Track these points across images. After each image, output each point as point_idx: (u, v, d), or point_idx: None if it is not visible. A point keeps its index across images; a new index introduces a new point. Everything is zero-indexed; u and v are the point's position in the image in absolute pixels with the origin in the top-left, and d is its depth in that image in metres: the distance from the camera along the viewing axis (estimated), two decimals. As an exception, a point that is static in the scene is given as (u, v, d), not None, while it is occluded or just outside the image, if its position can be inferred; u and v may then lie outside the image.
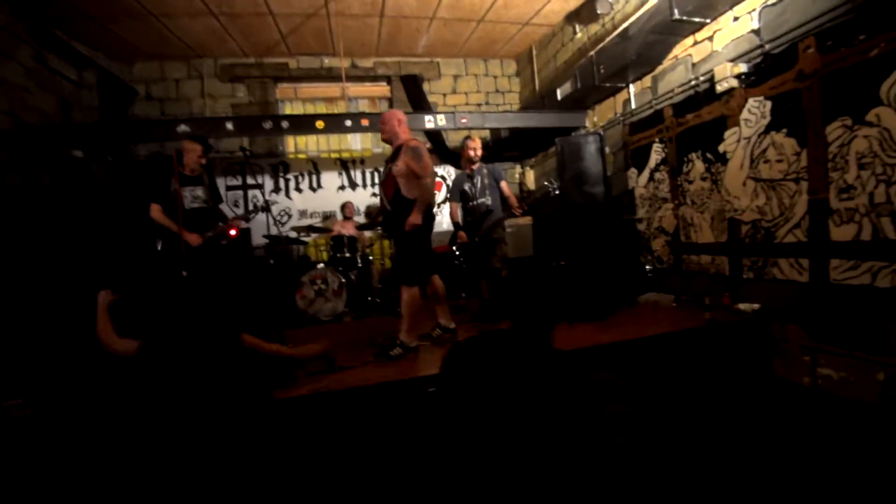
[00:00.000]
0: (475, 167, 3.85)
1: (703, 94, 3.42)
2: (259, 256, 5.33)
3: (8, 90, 3.98)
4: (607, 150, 4.67)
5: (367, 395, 2.38)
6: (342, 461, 2.16)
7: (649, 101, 4.04)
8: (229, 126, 4.37)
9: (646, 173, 4.19)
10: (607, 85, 4.23)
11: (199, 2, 4.36)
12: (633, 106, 4.27)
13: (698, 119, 3.51)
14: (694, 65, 3.53)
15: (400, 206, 2.85)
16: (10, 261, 3.58)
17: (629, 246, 4.34)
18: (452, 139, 6.05)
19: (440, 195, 6.15)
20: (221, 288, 3.71)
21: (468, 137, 3.87)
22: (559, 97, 4.73)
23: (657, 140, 3.99)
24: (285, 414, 2.25)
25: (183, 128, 4.29)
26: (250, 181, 5.82)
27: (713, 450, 2.48)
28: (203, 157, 3.67)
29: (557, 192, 3.75)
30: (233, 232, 4.22)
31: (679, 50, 3.66)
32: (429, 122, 4.51)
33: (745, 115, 3.07)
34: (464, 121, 4.58)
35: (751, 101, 3.01)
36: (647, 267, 4.21)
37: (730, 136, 3.22)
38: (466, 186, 3.84)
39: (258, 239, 5.21)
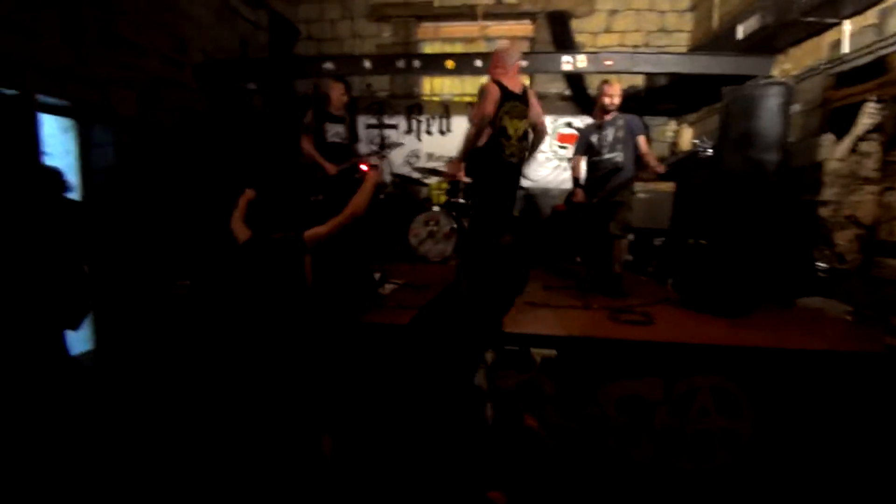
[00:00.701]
0: (608, 117, 3.35)
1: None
2: (387, 193, 5.65)
3: (200, 29, 4.69)
4: (796, 107, 3.64)
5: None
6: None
7: (870, 45, 2.98)
8: (366, 64, 4.52)
9: (846, 142, 3.18)
10: (811, 20, 3.21)
11: (352, -63, 4.45)
12: (846, 50, 3.20)
13: (948, 69, 2.47)
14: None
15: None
16: (184, 170, 4.37)
17: (801, 234, 3.45)
18: (597, 87, 5.38)
19: (572, 149, 5.65)
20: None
21: (605, 82, 3.35)
22: (739, 35, 3.76)
23: (874, 98, 2.96)
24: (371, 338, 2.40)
25: (328, 65, 4.59)
26: (387, 121, 6.07)
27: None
28: (345, 94, 4.06)
29: (708, 152, 3.06)
30: (364, 167, 4.51)
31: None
32: (566, 63, 4.03)
33: None
34: (609, 63, 3.98)
35: None
36: (821, 264, 3.32)
37: None
38: (594, 138, 3.39)
39: (387, 177, 5.49)
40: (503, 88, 2.85)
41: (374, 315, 2.65)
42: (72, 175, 3.57)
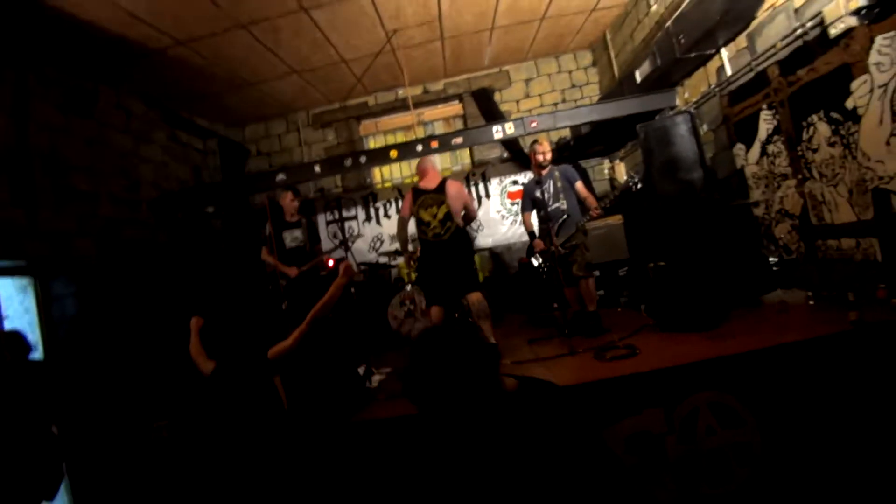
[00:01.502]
0: (544, 172, 3.63)
1: (815, 43, 2.78)
2: (357, 282, 5.70)
3: (151, 166, 4.90)
4: (704, 127, 4.07)
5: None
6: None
7: (748, 64, 3.43)
8: (317, 169, 4.78)
9: (756, 148, 3.54)
10: (692, 55, 3.69)
11: (284, 65, 4.91)
12: (730, 72, 3.67)
13: (813, 73, 2.87)
14: (797, 10, 2.91)
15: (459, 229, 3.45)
16: (150, 305, 4.33)
17: (745, 236, 3.68)
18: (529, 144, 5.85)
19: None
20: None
21: (535, 142, 3.68)
22: (638, 79, 4.26)
23: (765, 106, 3.36)
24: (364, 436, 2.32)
25: (280, 177, 4.82)
26: (346, 214, 6.30)
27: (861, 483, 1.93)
28: (295, 200, 4.23)
29: (639, 185, 3.33)
30: (330, 263, 4.58)
31: (775, -4, 3.05)
32: (497, 132, 4.41)
33: (874, 57, 2.42)
34: (533, 124, 4.38)
35: (879, 40, 2.36)
36: (772, 259, 3.52)
37: (858, 87, 2.56)
38: (537, 193, 3.64)
39: (356, 267, 5.58)
40: (416, 191, 3.51)
41: (365, 412, 2.58)
42: (32, 333, 3.49)
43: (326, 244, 5.69)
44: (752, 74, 3.44)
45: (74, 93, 4.06)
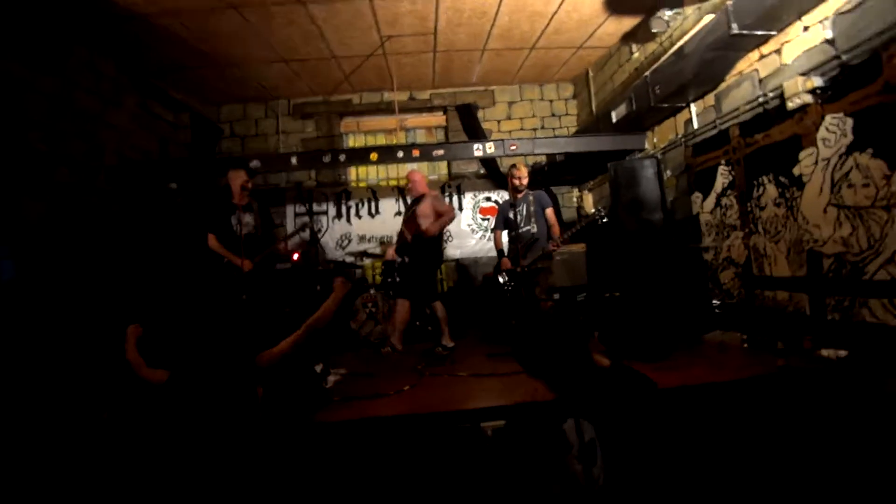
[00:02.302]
0: (520, 195, 3.79)
1: (774, 112, 3.09)
2: (316, 280, 5.62)
3: (116, 133, 4.66)
4: (668, 173, 4.37)
5: (395, 425, 2.37)
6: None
7: (713, 121, 3.73)
8: (294, 161, 4.72)
9: (711, 198, 3.84)
10: (665, 105, 3.98)
11: (272, 51, 4.84)
12: (696, 126, 3.97)
13: (768, 139, 3.17)
14: (761, 80, 3.22)
15: (418, 241, 3.86)
16: (99, 278, 4.10)
17: (694, 277, 3.97)
18: (506, 165, 6.02)
19: (493, 220, 6.14)
20: (276, 310, 3.97)
21: (513, 166, 3.83)
22: (614, 119, 4.53)
23: (723, 162, 3.66)
24: (327, 437, 2.30)
25: (255, 163, 4.71)
26: (317, 208, 6.21)
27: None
28: (249, 182, 3.83)
29: (605, 220, 3.55)
30: (295, 256, 4.50)
31: (744, 65, 3.36)
32: (478, 150, 4.53)
33: (822, 133, 2.72)
34: (513, 147, 4.54)
35: (828, 119, 2.66)
36: (715, 301, 3.81)
37: (805, 157, 2.86)
38: (511, 214, 3.78)
39: (323, 264, 5.50)
40: (407, 203, 4.23)
41: (325, 413, 2.56)
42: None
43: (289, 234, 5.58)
44: (715, 131, 3.75)
45: (45, 46, 3.83)
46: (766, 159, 3.22)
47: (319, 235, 4.57)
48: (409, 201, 4.24)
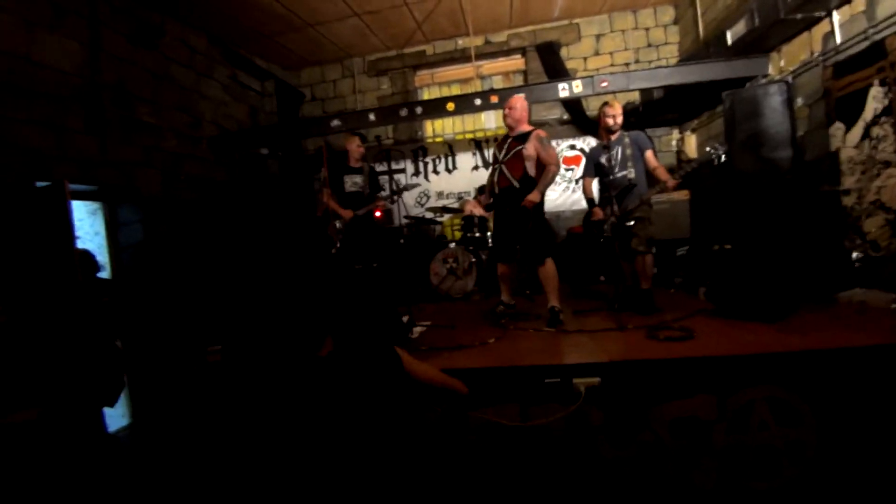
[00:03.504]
0: (614, 137, 3.38)
1: (962, 7, 2.37)
2: (400, 234, 5.73)
3: (212, 104, 4.97)
4: (799, 101, 3.65)
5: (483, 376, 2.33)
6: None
7: (864, 31, 2.99)
8: (371, 117, 4.71)
9: (858, 129, 3.15)
10: (798, 17, 3.26)
11: (344, 4, 4.74)
12: (839, 40, 3.22)
13: (951, 45, 2.46)
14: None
15: (528, 185, 3.16)
16: (208, 239, 4.51)
17: (828, 226, 3.36)
18: (594, 108, 5.50)
19: (578, 170, 5.71)
20: (366, 260, 4.15)
21: (605, 104, 3.41)
22: (730, 41, 3.83)
23: (877, 82, 2.95)
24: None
25: (336, 122, 4.80)
26: (395, 166, 6.24)
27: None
28: (361, 146, 4.26)
29: (723, 158, 3.04)
30: (378, 213, 4.59)
31: (918, -50, 2.60)
32: (563, 90, 4.13)
33: None
34: (604, 84, 4.07)
35: None
36: (855, 255, 3.21)
37: None
38: (603, 159, 3.41)
39: (401, 220, 5.59)
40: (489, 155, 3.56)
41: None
42: (101, 254, 3.72)
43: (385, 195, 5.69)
44: (866, 43, 3.01)
45: (142, 24, 4.09)
46: (945, 72, 2.52)
47: (399, 194, 4.61)
48: (504, 140, 3.31)
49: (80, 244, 3.26)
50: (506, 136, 3.34)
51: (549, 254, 3.22)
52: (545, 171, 3.11)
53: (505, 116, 3.30)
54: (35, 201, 2.90)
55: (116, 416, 3.32)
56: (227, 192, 4.86)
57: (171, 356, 3.45)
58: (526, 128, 3.26)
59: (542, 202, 3.21)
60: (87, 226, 3.82)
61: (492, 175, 3.37)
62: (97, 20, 3.66)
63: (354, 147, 4.21)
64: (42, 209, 2.88)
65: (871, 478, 2.11)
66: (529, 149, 3.14)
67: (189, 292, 4.03)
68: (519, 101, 3.27)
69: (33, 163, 3.13)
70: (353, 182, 4.23)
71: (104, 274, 3.63)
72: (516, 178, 3.18)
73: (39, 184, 2.97)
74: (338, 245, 4.10)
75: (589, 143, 5.73)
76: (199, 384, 3.00)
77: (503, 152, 3.28)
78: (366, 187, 4.26)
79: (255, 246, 4.76)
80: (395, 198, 4.67)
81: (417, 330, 3.27)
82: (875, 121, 3.02)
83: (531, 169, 3.16)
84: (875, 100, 3.00)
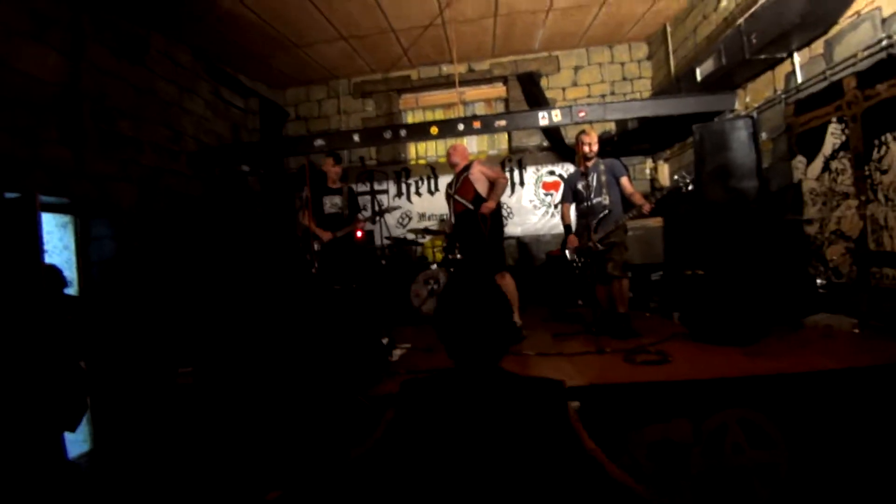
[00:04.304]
0: (590, 164, 3.51)
1: (905, 56, 2.58)
2: (381, 256, 5.71)
3: (194, 119, 4.93)
4: (763, 135, 3.86)
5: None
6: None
7: (822, 72, 3.22)
8: (356, 138, 4.75)
9: (818, 162, 3.35)
10: (762, 57, 3.48)
11: (332, 29, 4.84)
12: (800, 79, 3.45)
13: (895, 90, 2.67)
14: (885, 20, 2.71)
15: (481, 203, 3.49)
16: (183, 256, 4.41)
17: (793, 253, 3.52)
18: (572, 136, 5.68)
19: (557, 195, 5.85)
20: (345, 281, 4.11)
21: (582, 132, 3.55)
22: (699, 77, 4.06)
23: (834, 119, 3.16)
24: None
25: (319, 142, 4.82)
26: (377, 187, 6.26)
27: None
28: (336, 166, 4.23)
29: (690, 187, 3.18)
30: (359, 234, 4.58)
31: (862, 2, 2.84)
32: (543, 118, 4.28)
33: (976, 76, 2.22)
34: (582, 114, 4.23)
35: None
36: (819, 281, 3.36)
37: (950, 107, 2.37)
38: (580, 185, 3.52)
39: (382, 241, 5.57)
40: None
41: (386, 384, 2.57)
42: (69, 269, 3.58)
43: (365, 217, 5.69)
44: (825, 83, 3.23)
45: (127, 37, 4.07)
46: (892, 113, 2.72)
47: (377, 218, 4.64)
48: (453, 180, 3.78)
49: (48, 258, 3.14)
50: (455, 176, 3.77)
51: (503, 267, 3.56)
52: (495, 184, 3.50)
53: (452, 165, 3.79)
54: (2, 212, 2.80)
55: (77, 442, 3.14)
56: (204, 208, 4.78)
57: (138, 378, 3.31)
58: (465, 163, 3.73)
59: (499, 219, 3.65)
60: (56, 239, 3.69)
61: (448, 208, 3.83)
62: (81, 32, 3.62)
63: (330, 167, 4.20)
64: (9, 220, 2.78)
65: (841, 496, 2.16)
66: (474, 172, 3.57)
67: (160, 311, 3.90)
68: (455, 149, 3.79)
69: (2, 172, 3.03)
70: (332, 203, 4.21)
71: (71, 290, 3.49)
72: (468, 199, 3.57)
73: (8, 195, 2.87)
74: (316, 265, 4.05)
75: (567, 169, 5.90)
76: (168, 408, 2.88)
77: (454, 186, 3.72)
78: (345, 208, 4.25)
79: (232, 264, 4.68)
80: (377, 219, 4.67)
81: (397, 353, 3.23)
82: (834, 155, 3.21)
83: (481, 189, 3.55)
84: (833, 135, 3.20)
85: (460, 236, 3.76)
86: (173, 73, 4.66)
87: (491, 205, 3.42)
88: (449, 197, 3.77)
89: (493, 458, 1.02)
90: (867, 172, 2.94)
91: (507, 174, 5.96)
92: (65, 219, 3.72)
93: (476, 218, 3.47)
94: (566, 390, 1.20)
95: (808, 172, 3.45)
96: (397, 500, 1.09)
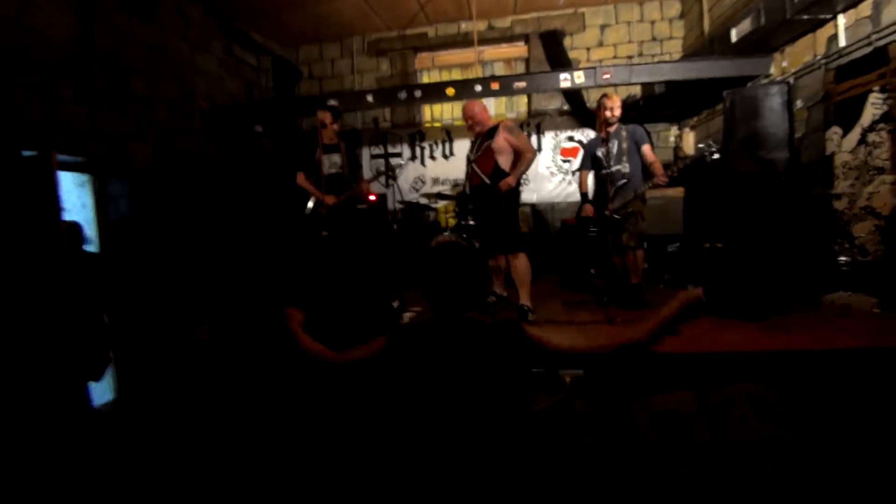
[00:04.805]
0: (612, 129, 3.37)
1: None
2: (393, 220, 5.70)
3: (206, 78, 4.86)
4: (798, 103, 3.64)
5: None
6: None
7: (867, 36, 2.98)
8: (369, 98, 4.63)
9: (854, 134, 3.16)
10: (804, 17, 3.23)
11: (347, -20, 4.63)
12: (843, 43, 3.21)
13: (951, 54, 2.46)
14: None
15: (499, 178, 3.11)
16: (199, 216, 4.45)
17: (817, 229, 3.39)
18: (594, 100, 5.45)
19: (576, 162, 5.69)
20: (356, 244, 4.08)
21: (604, 95, 3.38)
22: (734, 38, 3.80)
23: (877, 88, 2.95)
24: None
25: (332, 102, 4.69)
26: (391, 149, 6.17)
27: None
28: (334, 123, 3.90)
29: (715, 156, 3.04)
30: (372, 197, 4.52)
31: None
32: (564, 80, 4.09)
33: None
34: (606, 76, 4.03)
35: None
36: (843, 258, 3.25)
37: None
38: (600, 152, 3.40)
39: (395, 205, 5.53)
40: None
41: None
42: (89, 228, 3.66)
43: (367, 176, 5.64)
44: (869, 49, 3.00)
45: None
46: (944, 81, 2.52)
47: (395, 178, 4.52)
48: (475, 140, 3.34)
49: (67, 217, 3.21)
50: (476, 138, 3.36)
51: (523, 248, 3.18)
52: (521, 158, 3.11)
53: (469, 128, 3.33)
54: (21, 171, 2.83)
55: (101, 391, 3.31)
56: (218, 168, 4.78)
57: (158, 333, 3.43)
58: (491, 124, 3.27)
59: (517, 195, 3.23)
60: (75, 198, 3.75)
61: (465, 174, 3.45)
62: (90, -14, 3.54)
63: (328, 123, 3.82)
64: (28, 179, 2.82)
65: (845, 475, 2.17)
66: (499, 141, 3.14)
67: (177, 269, 3.99)
68: (471, 108, 3.29)
69: (20, 131, 3.05)
70: (331, 162, 3.84)
71: (91, 248, 3.58)
72: (487, 173, 3.20)
73: (26, 153, 2.90)
74: (327, 228, 3.95)
75: (588, 135, 5.69)
76: (186, 361, 3.00)
77: (475, 151, 3.32)
78: (345, 166, 3.89)
79: (246, 224, 4.72)
80: (388, 180, 4.54)
81: (407, 315, 3.27)
82: (872, 127, 3.02)
83: (503, 163, 3.16)
84: (873, 106, 3.00)
85: (476, 212, 3.43)
86: (185, 29, 4.55)
87: (511, 181, 3.04)
88: (469, 162, 3.40)
89: (460, 375, 1.40)
90: (907, 146, 2.77)
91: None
92: (83, 178, 3.76)
93: (492, 194, 3.13)
94: (518, 323, 1.62)
95: (842, 145, 3.26)
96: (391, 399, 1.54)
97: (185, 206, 4.30)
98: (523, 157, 3.11)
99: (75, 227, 3.21)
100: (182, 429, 2.62)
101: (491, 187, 3.14)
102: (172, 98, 4.37)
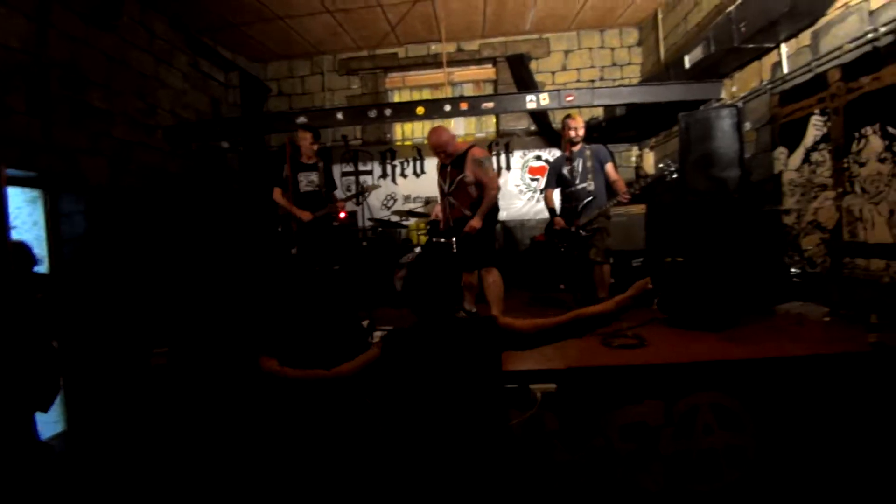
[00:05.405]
0: (576, 149, 3.50)
1: (885, 51, 2.60)
2: (363, 237, 5.66)
3: (170, 92, 4.74)
4: (747, 125, 3.89)
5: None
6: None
7: (807, 63, 3.23)
8: (339, 116, 4.64)
9: (799, 153, 3.39)
10: (750, 46, 3.48)
11: (317, 0, 4.66)
12: (786, 70, 3.47)
13: (878, 83, 2.69)
14: (871, 13, 2.71)
15: (474, 211, 3.22)
16: (159, 234, 4.29)
17: (769, 243, 3.59)
18: (560, 120, 5.65)
19: (543, 181, 5.84)
20: (326, 263, 4.04)
21: (568, 116, 3.53)
22: (687, 65, 4.04)
23: (817, 111, 3.19)
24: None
25: (301, 119, 4.68)
26: (362, 167, 6.16)
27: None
28: (314, 143, 4.02)
29: (675, 175, 3.21)
30: (342, 215, 4.50)
31: (854, -7, 2.84)
32: (531, 101, 4.23)
33: (954, 71, 2.25)
34: (569, 98, 4.20)
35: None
36: (793, 270, 3.44)
37: (927, 102, 2.41)
38: (565, 170, 3.52)
39: (365, 222, 5.50)
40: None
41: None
42: (39, 247, 3.46)
43: (340, 195, 5.59)
44: (810, 75, 3.25)
45: (96, 1, 3.86)
46: (873, 107, 2.75)
47: (367, 195, 4.53)
48: (444, 169, 3.36)
49: (16, 235, 3.02)
50: (443, 165, 3.38)
51: (495, 262, 3.30)
52: (485, 194, 3.18)
53: (439, 155, 3.34)
54: (-36, 186, 2.66)
55: (50, 423, 3.08)
56: (181, 185, 4.64)
57: (112, 358, 3.25)
58: (460, 147, 3.30)
59: (495, 212, 3.35)
60: (26, 215, 3.54)
61: (443, 206, 3.46)
62: (47, -6, 3.42)
63: (307, 143, 3.96)
64: (-28, 195, 2.65)
65: (806, 479, 2.26)
66: (469, 175, 3.23)
67: (134, 290, 3.81)
68: (437, 136, 3.28)
69: (-36, 144, 2.88)
70: (308, 181, 3.98)
71: (41, 268, 3.38)
72: (466, 207, 3.28)
73: (-30, 167, 2.73)
74: (296, 247, 3.95)
75: (554, 154, 5.87)
76: (142, 388, 2.84)
77: (448, 183, 3.34)
78: (322, 185, 4.04)
79: (208, 243, 4.58)
80: (361, 199, 4.58)
81: (377, 335, 3.22)
82: (814, 147, 3.25)
83: (475, 193, 3.26)
84: (815, 127, 3.23)
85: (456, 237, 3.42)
86: (148, 42, 4.46)
87: (476, 223, 3.14)
88: (443, 194, 3.42)
89: (447, 368, 1.51)
90: (846, 165, 2.99)
91: (494, 158, 5.91)
92: (34, 194, 3.56)
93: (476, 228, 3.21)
94: (492, 317, 1.70)
95: (788, 163, 3.49)
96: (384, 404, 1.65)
97: (144, 224, 4.14)
98: (487, 194, 3.18)
99: (23, 247, 3.03)
100: (139, 461, 2.47)
101: (465, 221, 3.25)
102: (133, 112, 4.23)
